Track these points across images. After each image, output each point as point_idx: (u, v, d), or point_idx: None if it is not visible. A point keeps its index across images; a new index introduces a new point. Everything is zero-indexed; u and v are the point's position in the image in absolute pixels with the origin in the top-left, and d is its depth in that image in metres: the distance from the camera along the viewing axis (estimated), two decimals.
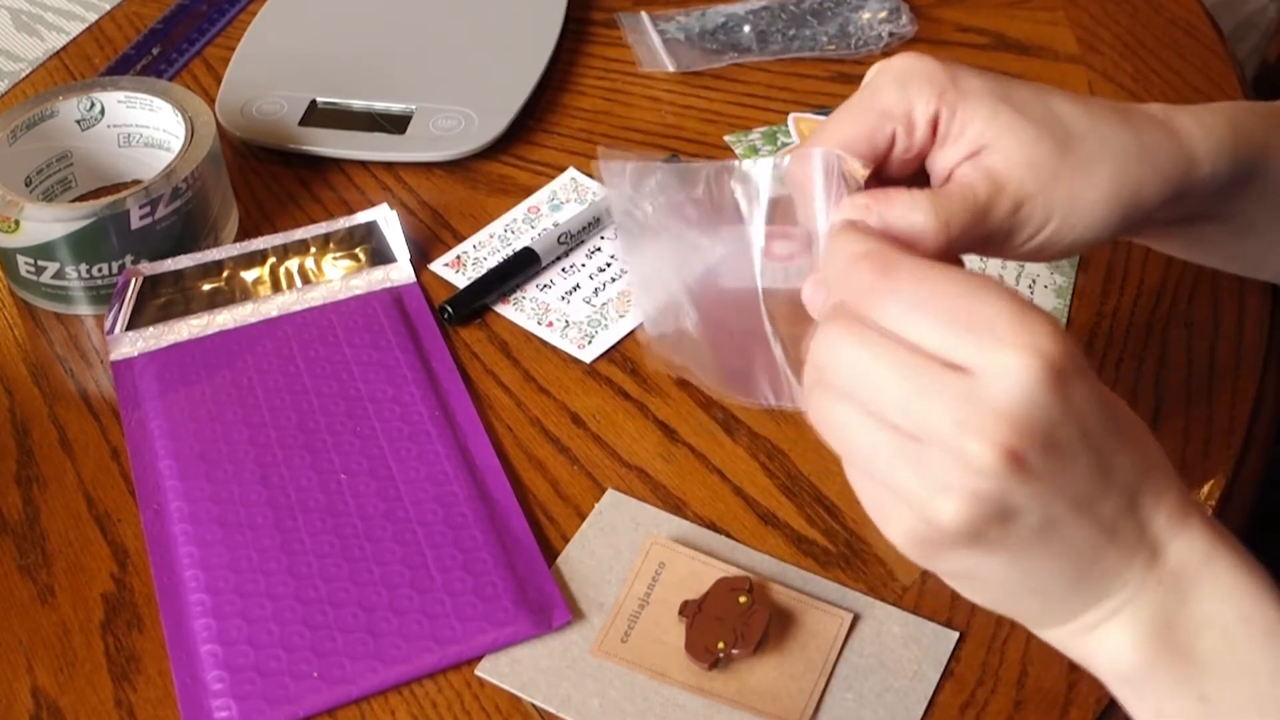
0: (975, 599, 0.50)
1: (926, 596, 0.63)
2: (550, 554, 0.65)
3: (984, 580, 0.49)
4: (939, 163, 0.55)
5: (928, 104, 0.53)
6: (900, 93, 0.54)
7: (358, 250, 0.79)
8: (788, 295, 0.54)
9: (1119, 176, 0.55)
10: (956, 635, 0.62)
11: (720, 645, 0.60)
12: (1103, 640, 0.49)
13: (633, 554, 0.64)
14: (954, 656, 0.60)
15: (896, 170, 0.55)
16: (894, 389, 0.46)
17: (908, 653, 0.61)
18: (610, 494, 0.67)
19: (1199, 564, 0.48)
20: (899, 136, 0.54)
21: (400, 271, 0.79)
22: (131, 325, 0.76)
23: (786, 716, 0.59)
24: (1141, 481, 0.48)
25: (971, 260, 0.69)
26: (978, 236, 0.53)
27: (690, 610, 0.61)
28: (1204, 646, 0.48)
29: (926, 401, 0.45)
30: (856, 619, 0.62)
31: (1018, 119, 0.54)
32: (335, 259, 0.79)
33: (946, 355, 0.45)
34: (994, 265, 0.76)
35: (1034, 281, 0.77)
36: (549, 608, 0.62)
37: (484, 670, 0.60)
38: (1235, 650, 0.48)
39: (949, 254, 0.53)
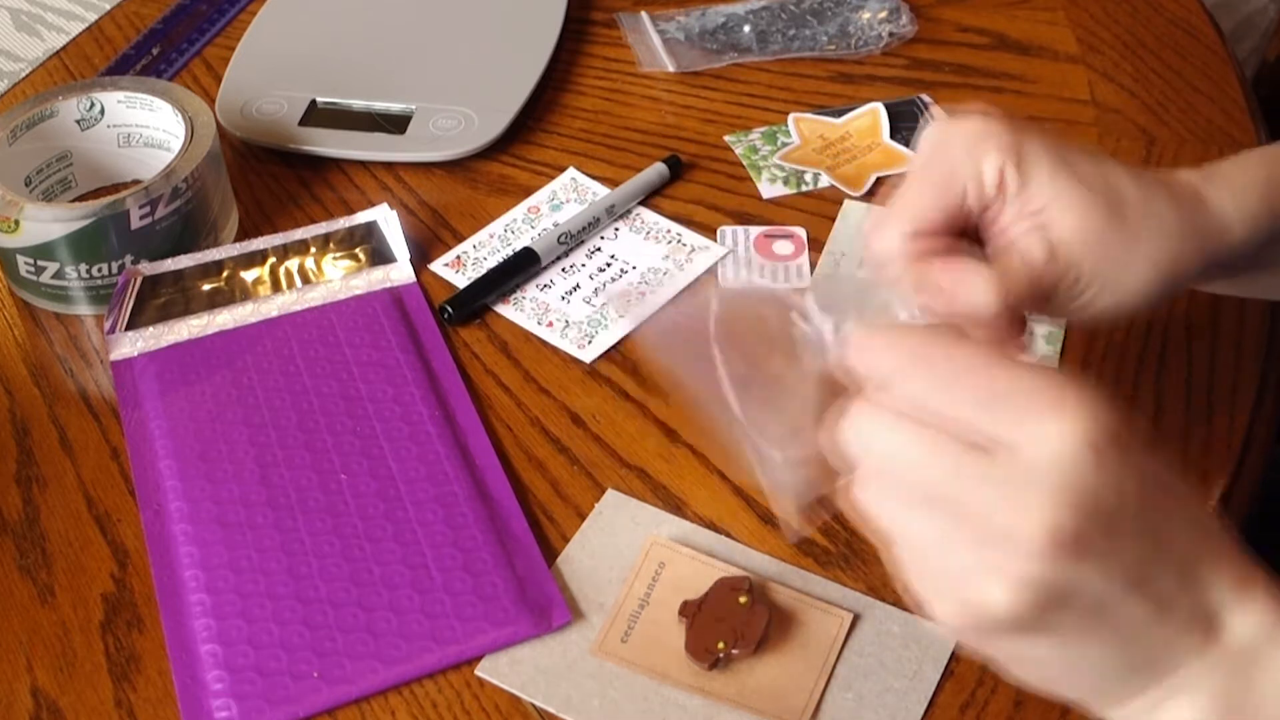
0: (1026, 680, 0.48)
1: None
2: (550, 554, 0.65)
3: (1036, 663, 0.47)
4: (998, 220, 0.55)
5: (995, 162, 0.53)
6: (969, 152, 0.54)
7: (358, 250, 0.79)
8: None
9: (1164, 250, 0.55)
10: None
11: (720, 645, 0.60)
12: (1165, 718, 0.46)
13: (633, 554, 0.64)
14: (954, 656, 0.60)
15: (953, 228, 0.55)
16: (931, 470, 0.44)
17: (908, 653, 0.61)
18: (610, 494, 0.67)
19: (1264, 640, 0.46)
20: (969, 194, 0.54)
21: (400, 271, 0.79)
22: (131, 325, 0.76)
23: (786, 717, 0.58)
24: (1198, 552, 0.46)
25: None
26: (1029, 300, 0.54)
27: (690, 610, 0.61)
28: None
29: (965, 483, 0.43)
30: (856, 619, 0.62)
31: (1075, 183, 0.54)
32: (335, 259, 0.79)
33: (982, 432, 0.44)
34: None
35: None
36: (549, 608, 0.62)
37: (484, 670, 0.60)
38: None
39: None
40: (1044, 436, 0.42)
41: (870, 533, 0.47)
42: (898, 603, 0.63)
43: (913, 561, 0.46)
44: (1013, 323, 0.53)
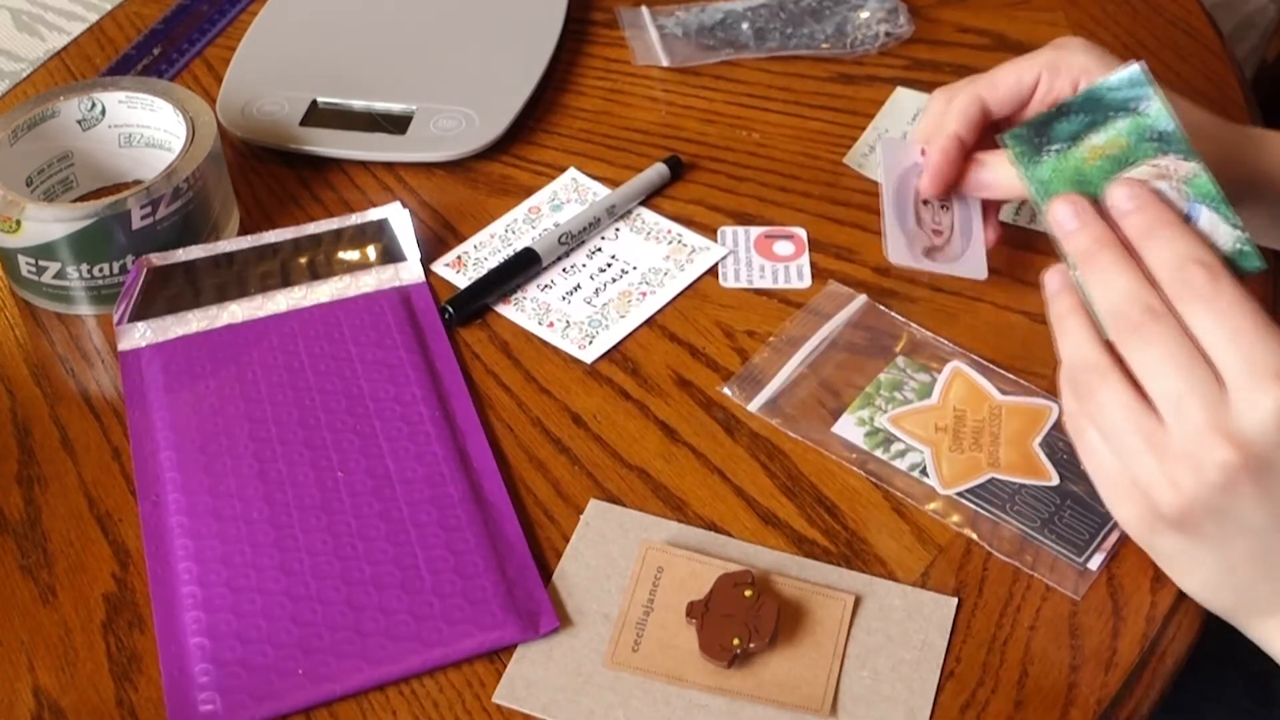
0: (1181, 582, 0.59)
1: (927, 579, 0.63)
2: (553, 553, 0.65)
3: (1190, 565, 0.57)
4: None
5: (1034, 70, 0.70)
6: (1056, 52, 0.70)
7: (369, 247, 0.79)
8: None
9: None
10: (956, 601, 0.62)
11: (736, 641, 0.60)
12: None
13: (627, 562, 0.64)
14: (954, 656, 0.61)
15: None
16: (1174, 379, 0.53)
17: (913, 624, 0.62)
18: (594, 504, 0.67)
19: None
20: (1042, 80, 0.69)
21: (410, 271, 0.79)
22: (140, 316, 0.76)
23: (808, 704, 0.59)
24: None
25: None
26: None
27: (698, 610, 0.61)
28: None
29: (1192, 395, 0.53)
30: (859, 600, 0.62)
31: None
32: (346, 255, 0.79)
33: (1224, 368, 0.53)
34: None
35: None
36: (537, 614, 0.62)
37: (502, 698, 0.60)
38: None
39: None
40: (1265, 396, 0.52)
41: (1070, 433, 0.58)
42: (894, 577, 0.63)
43: (1110, 454, 0.56)
44: None
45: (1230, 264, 0.57)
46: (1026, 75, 0.69)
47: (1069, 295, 0.58)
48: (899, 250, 0.70)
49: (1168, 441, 0.54)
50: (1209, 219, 0.59)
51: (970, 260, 0.72)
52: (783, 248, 0.80)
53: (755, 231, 0.81)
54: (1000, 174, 0.69)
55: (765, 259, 0.80)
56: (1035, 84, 0.69)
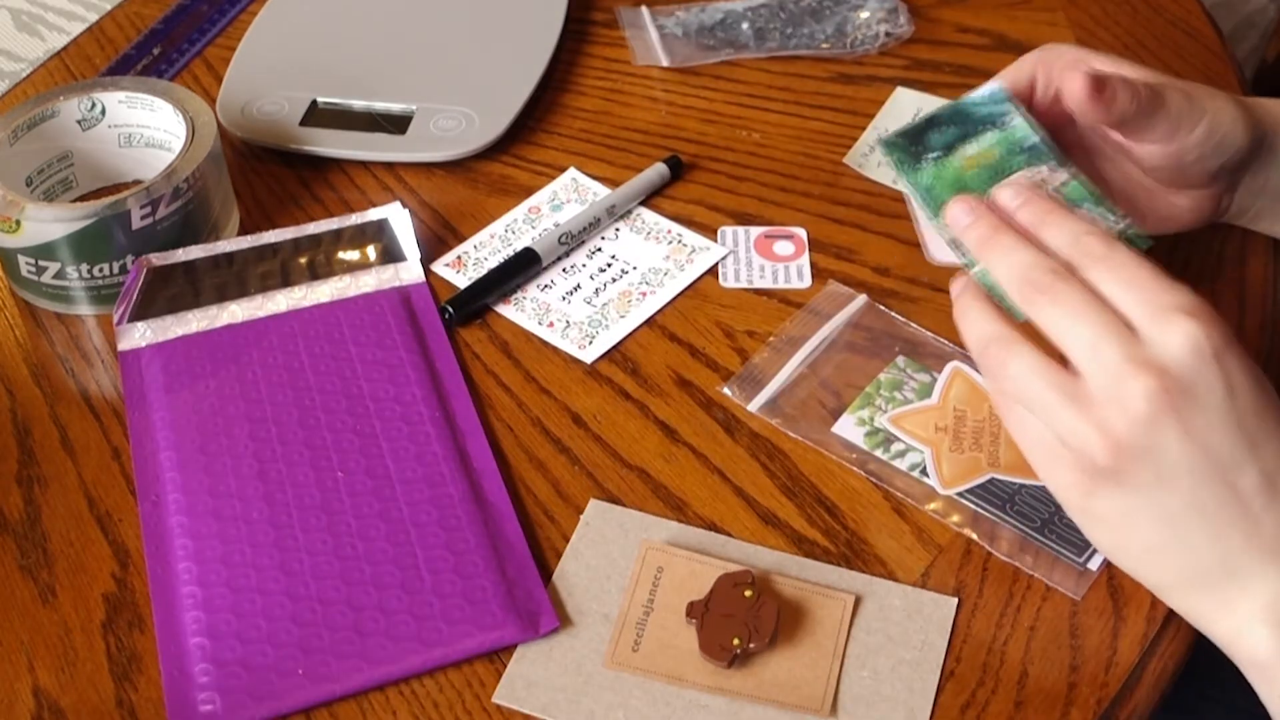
0: (1123, 554, 0.57)
1: (927, 579, 0.63)
2: (553, 553, 0.65)
3: (1129, 528, 0.55)
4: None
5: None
6: (1044, 52, 0.68)
7: (369, 247, 0.79)
8: None
9: (1225, 97, 0.68)
10: (955, 601, 0.62)
11: (736, 641, 0.60)
12: (1243, 628, 0.55)
13: (627, 562, 0.64)
14: (954, 657, 0.61)
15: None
16: (1085, 327, 0.54)
17: (913, 624, 0.62)
18: (594, 504, 0.67)
19: None
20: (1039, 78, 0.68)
21: (410, 271, 0.79)
22: (140, 316, 0.76)
23: (808, 704, 0.59)
24: None
25: None
26: (1162, 118, 0.66)
27: (698, 610, 0.61)
28: None
29: (1104, 339, 0.54)
30: (859, 600, 0.62)
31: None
32: (346, 255, 0.79)
33: (1130, 313, 0.54)
34: None
35: None
36: (537, 614, 0.62)
37: (501, 698, 0.60)
38: None
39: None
40: (1175, 330, 0.53)
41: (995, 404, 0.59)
42: (894, 577, 0.63)
43: (1032, 421, 0.56)
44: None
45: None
46: (1022, 78, 0.69)
47: (970, 290, 0.60)
48: (940, 248, 0.69)
49: (1088, 390, 0.54)
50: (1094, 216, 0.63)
51: None
52: (783, 248, 0.80)
53: (755, 231, 0.81)
54: None
55: (765, 259, 0.80)
56: (1031, 85, 0.69)
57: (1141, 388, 0.53)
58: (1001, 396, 0.58)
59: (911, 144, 0.65)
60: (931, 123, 0.65)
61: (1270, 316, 0.75)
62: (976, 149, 0.64)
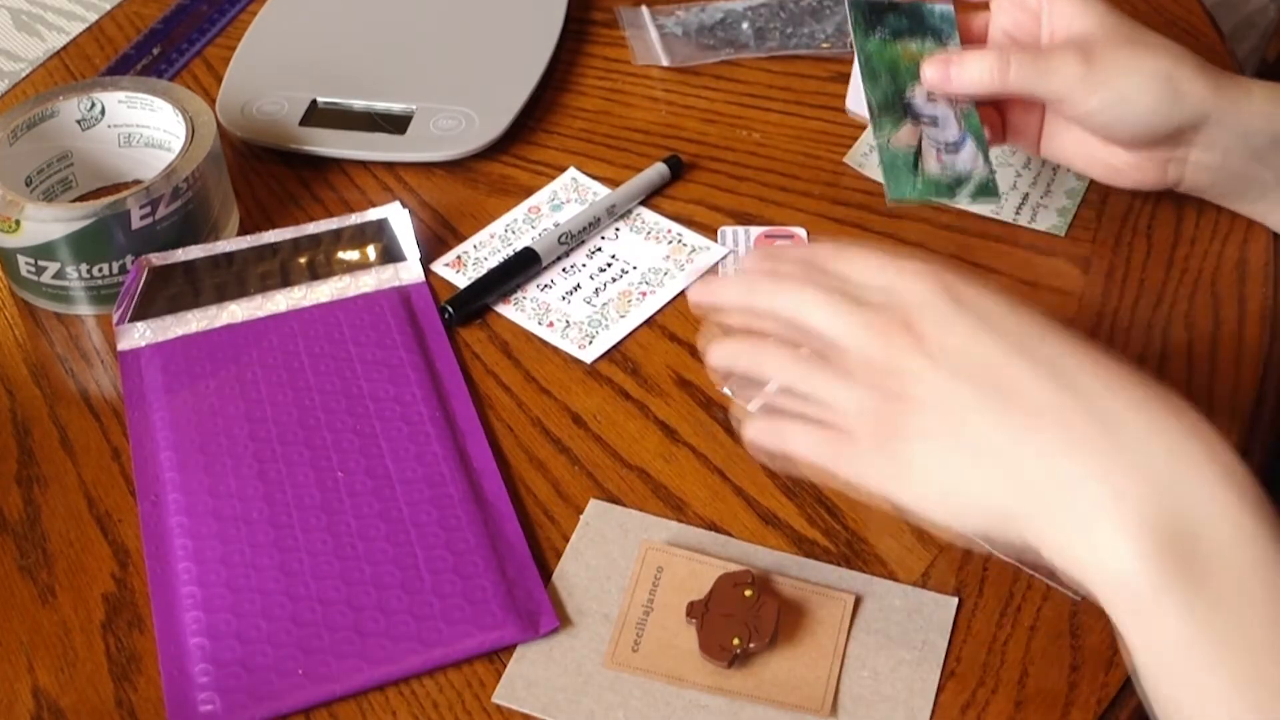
0: (942, 513, 0.54)
1: (927, 579, 0.63)
2: (553, 553, 0.65)
3: (940, 460, 0.53)
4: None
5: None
6: None
7: (369, 247, 0.79)
8: None
9: (1165, 53, 0.70)
10: (956, 601, 0.62)
11: (735, 641, 0.60)
12: (1103, 549, 0.48)
13: (627, 562, 0.64)
14: (954, 656, 0.61)
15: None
16: (819, 308, 0.56)
17: (913, 624, 0.62)
18: (594, 504, 0.67)
19: (1186, 466, 0.48)
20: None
21: (410, 271, 0.79)
22: (140, 316, 0.76)
23: (809, 704, 0.59)
24: (1069, 363, 0.52)
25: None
26: (1030, 78, 0.70)
27: (698, 610, 0.61)
28: (1236, 593, 0.46)
29: (841, 310, 0.55)
30: (859, 599, 0.62)
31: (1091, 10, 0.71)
32: (346, 255, 0.79)
33: (863, 284, 0.56)
34: (1024, 150, 0.77)
35: (1058, 165, 0.82)
36: (537, 614, 0.62)
37: (501, 698, 0.60)
38: (1237, 568, 0.47)
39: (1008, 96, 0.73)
40: (908, 287, 0.55)
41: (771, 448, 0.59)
42: (894, 577, 0.63)
43: (788, 404, 0.57)
44: (1025, 106, 0.74)
45: (979, 192, 0.72)
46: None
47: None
48: (858, 103, 0.78)
49: (840, 360, 0.55)
50: (971, 150, 0.73)
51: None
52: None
53: (755, 231, 0.81)
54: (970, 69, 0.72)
55: None
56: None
57: (880, 335, 0.54)
58: (768, 421, 0.59)
59: (872, 13, 0.76)
60: (894, 7, 0.76)
61: (1270, 314, 0.75)
62: (916, 48, 0.75)
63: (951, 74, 0.72)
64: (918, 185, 0.72)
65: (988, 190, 0.73)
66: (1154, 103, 0.69)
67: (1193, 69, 0.70)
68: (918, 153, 0.72)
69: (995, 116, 0.76)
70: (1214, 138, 0.71)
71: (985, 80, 0.71)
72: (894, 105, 0.73)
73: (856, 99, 0.75)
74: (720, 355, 0.60)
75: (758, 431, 0.59)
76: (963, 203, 0.74)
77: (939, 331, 0.53)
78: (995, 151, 0.84)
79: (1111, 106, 0.70)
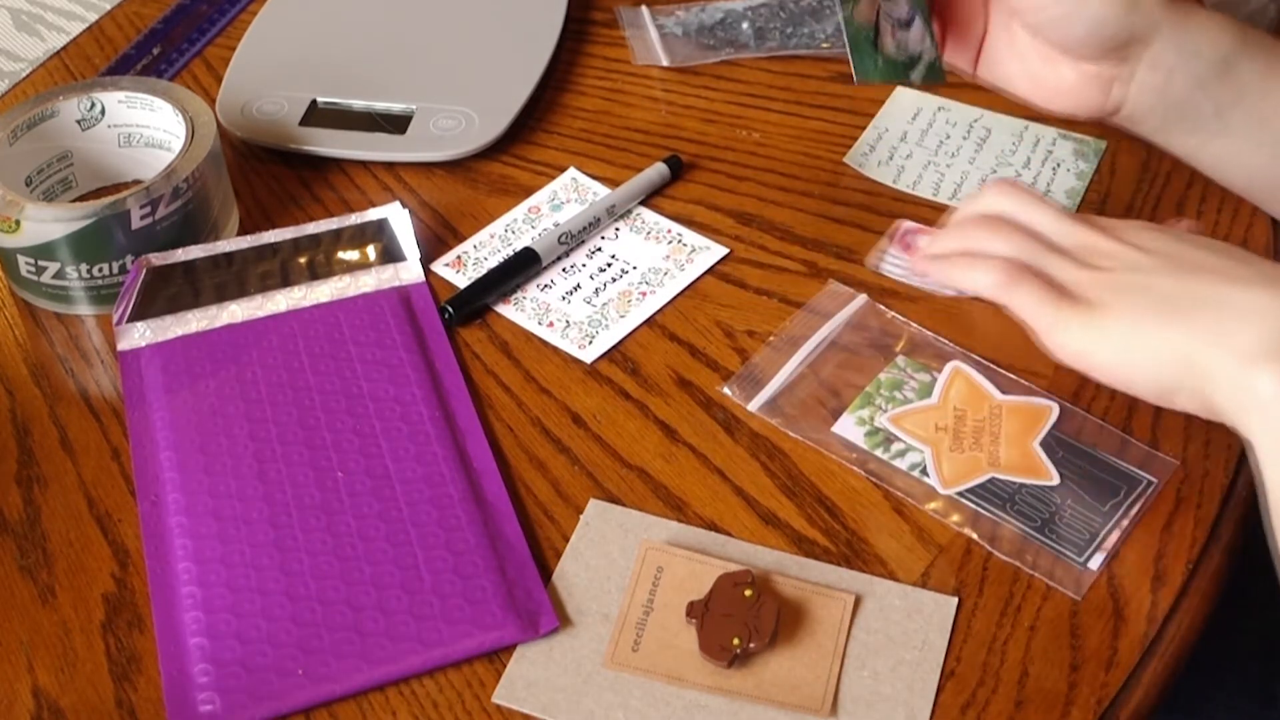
0: (1129, 364, 0.60)
1: (927, 579, 0.63)
2: (553, 553, 0.65)
3: (1145, 300, 0.60)
4: None
5: None
6: None
7: (369, 247, 0.79)
8: None
9: None
10: (956, 601, 0.62)
11: (735, 641, 0.60)
12: (1244, 370, 0.57)
13: (627, 561, 0.64)
14: (954, 656, 0.61)
15: None
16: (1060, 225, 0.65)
17: (913, 624, 0.62)
18: (594, 504, 0.67)
19: None
20: None
21: (410, 271, 0.79)
22: (140, 316, 0.76)
23: (809, 704, 0.59)
24: (1228, 248, 0.63)
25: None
26: None
27: (698, 610, 0.61)
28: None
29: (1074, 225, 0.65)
30: (859, 599, 0.62)
31: None
32: (346, 255, 0.79)
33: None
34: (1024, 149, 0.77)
35: (1058, 165, 0.84)
36: (537, 614, 0.62)
37: (501, 698, 0.60)
38: None
39: None
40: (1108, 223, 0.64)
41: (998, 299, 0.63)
42: (894, 577, 0.63)
43: (1026, 285, 0.63)
44: (969, 13, 0.74)
45: (929, 73, 0.74)
46: None
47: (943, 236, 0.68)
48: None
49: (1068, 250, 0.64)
50: (919, 29, 0.73)
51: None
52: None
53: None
54: None
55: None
56: None
57: (1089, 235, 0.64)
58: (999, 269, 0.63)
59: None
60: None
61: None
62: None
63: None
64: (879, 65, 0.74)
65: (934, 71, 0.74)
66: (1110, 2, 0.69)
67: None
68: (876, 30, 0.73)
69: (937, 23, 0.75)
70: (1161, 55, 0.70)
71: None
72: None
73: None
74: (942, 244, 0.66)
75: (947, 263, 0.66)
76: (915, 83, 0.75)
77: (1134, 235, 0.63)
78: (994, 153, 0.85)
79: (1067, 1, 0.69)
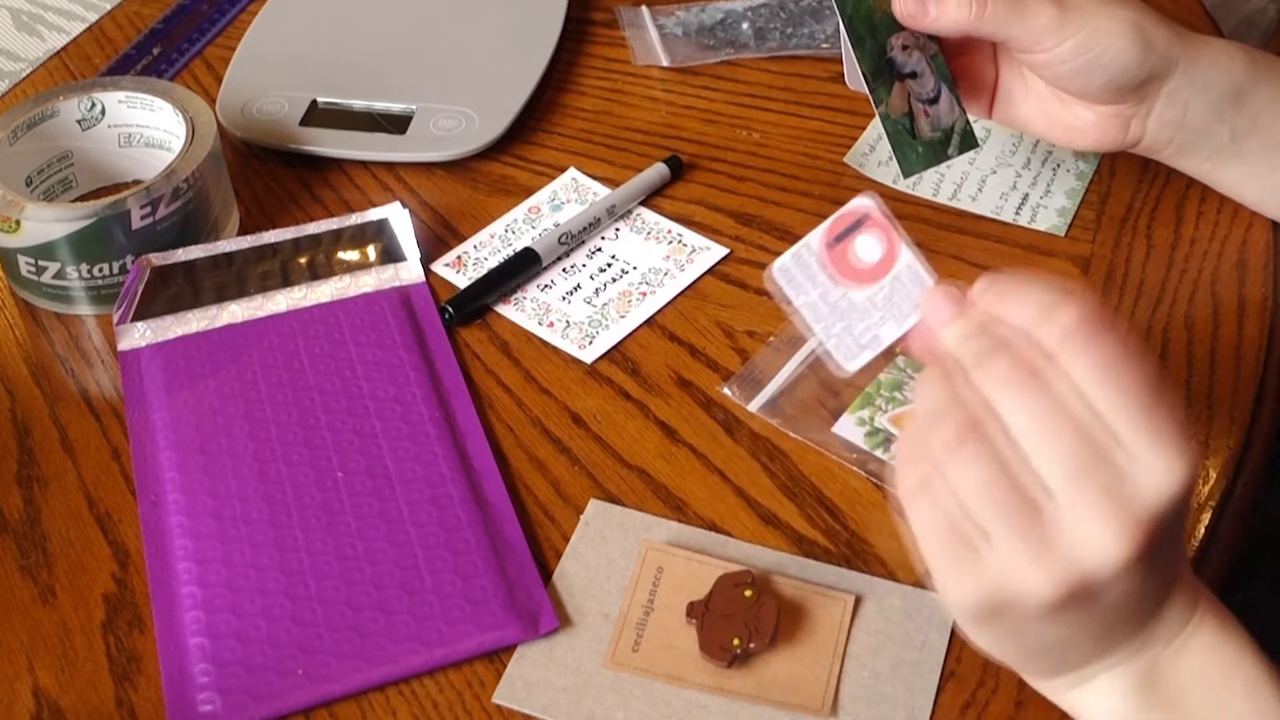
0: (993, 652, 0.52)
1: (927, 579, 0.63)
2: (553, 553, 0.65)
3: (1015, 642, 0.51)
4: None
5: None
6: None
7: (369, 247, 0.79)
8: None
9: (1136, 11, 0.70)
10: None
11: (735, 641, 0.60)
12: (1093, 693, 0.52)
13: (627, 561, 0.64)
14: (955, 656, 0.61)
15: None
16: (1068, 441, 0.46)
17: (913, 624, 0.62)
18: (594, 504, 0.67)
19: (1189, 627, 0.51)
20: None
21: (410, 271, 0.79)
22: (140, 316, 0.76)
23: (809, 704, 0.59)
24: (1178, 568, 0.51)
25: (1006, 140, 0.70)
26: (1004, 18, 0.69)
27: (698, 611, 0.61)
28: (1189, 701, 0.51)
29: (1093, 463, 0.46)
30: (859, 600, 0.62)
31: None
32: (346, 255, 0.79)
33: (1118, 428, 0.46)
34: (1024, 149, 0.77)
35: (1058, 165, 0.84)
36: (537, 614, 0.62)
37: (501, 698, 0.60)
38: (1220, 704, 0.51)
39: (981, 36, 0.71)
40: (1165, 467, 0.46)
41: (898, 498, 0.49)
42: (894, 577, 0.63)
43: (961, 518, 0.47)
44: (982, 61, 0.74)
45: (963, 144, 0.74)
46: None
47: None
48: (854, 78, 0.74)
49: (1053, 516, 0.46)
50: (947, 98, 0.73)
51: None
52: None
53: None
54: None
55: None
56: None
57: (1115, 535, 0.46)
58: (928, 485, 0.48)
59: None
60: None
61: (1270, 314, 0.75)
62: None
63: (930, 7, 0.70)
64: (920, 153, 0.73)
65: (968, 138, 0.74)
66: (1127, 47, 0.69)
67: (1157, 19, 0.70)
68: (910, 117, 0.73)
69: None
70: (1177, 90, 0.71)
71: (962, 17, 0.69)
72: (883, 69, 0.73)
73: (852, 74, 0.74)
74: (924, 400, 0.50)
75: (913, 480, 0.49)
76: (953, 157, 0.75)
77: (1154, 565, 0.48)
78: (994, 153, 0.85)
79: (1084, 53, 0.69)
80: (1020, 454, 0.47)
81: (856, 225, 0.55)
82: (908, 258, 0.54)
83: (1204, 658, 0.51)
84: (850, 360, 0.55)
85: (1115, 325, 0.48)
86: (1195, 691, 0.51)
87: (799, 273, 0.55)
